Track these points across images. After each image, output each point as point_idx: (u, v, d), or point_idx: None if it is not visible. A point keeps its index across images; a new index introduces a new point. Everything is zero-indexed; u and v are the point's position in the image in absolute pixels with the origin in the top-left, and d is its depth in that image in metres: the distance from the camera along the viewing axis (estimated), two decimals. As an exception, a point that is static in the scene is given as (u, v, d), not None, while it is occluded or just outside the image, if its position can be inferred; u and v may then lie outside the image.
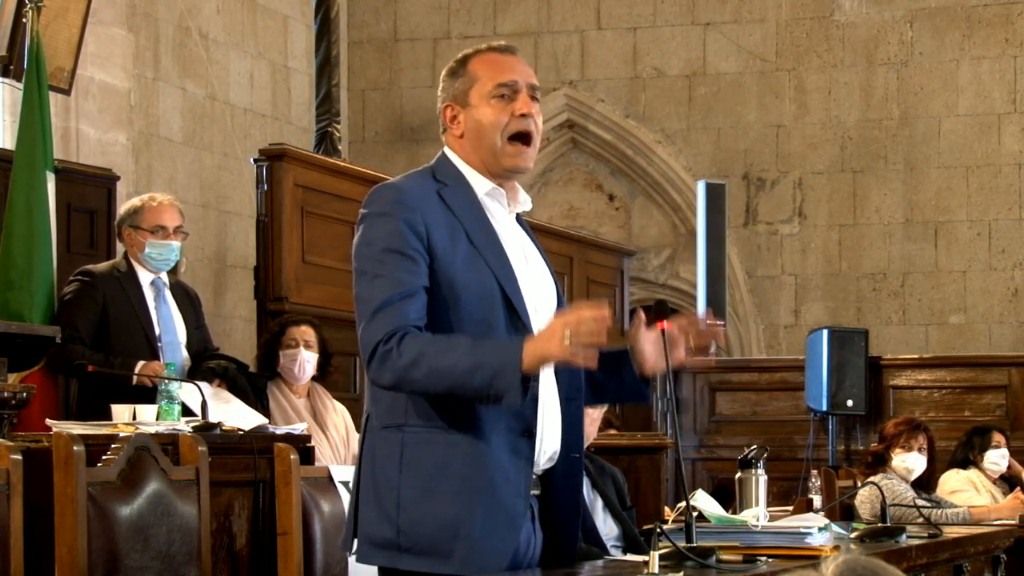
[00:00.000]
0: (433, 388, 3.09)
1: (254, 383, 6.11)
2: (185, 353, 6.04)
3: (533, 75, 3.33)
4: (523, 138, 3.26)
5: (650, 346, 3.29)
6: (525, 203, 3.35)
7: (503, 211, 3.30)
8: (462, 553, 3.08)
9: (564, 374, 3.29)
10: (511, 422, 3.13)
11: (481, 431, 3.12)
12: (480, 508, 3.09)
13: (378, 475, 3.17)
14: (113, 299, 5.92)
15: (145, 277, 6.02)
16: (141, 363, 5.75)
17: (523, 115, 3.24)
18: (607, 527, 4.60)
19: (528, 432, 3.15)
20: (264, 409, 5.93)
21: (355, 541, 3.23)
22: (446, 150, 3.34)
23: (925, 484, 7.18)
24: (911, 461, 7.03)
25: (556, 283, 3.37)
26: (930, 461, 7.11)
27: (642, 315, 3.36)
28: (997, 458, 7.69)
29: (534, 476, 3.27)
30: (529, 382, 3.06)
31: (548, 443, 3.26)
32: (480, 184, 3.28)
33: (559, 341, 3.00)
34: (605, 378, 3.35)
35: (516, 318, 3.17)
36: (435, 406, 3.14)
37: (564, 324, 3.01)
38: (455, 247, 3.17)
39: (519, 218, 3.39)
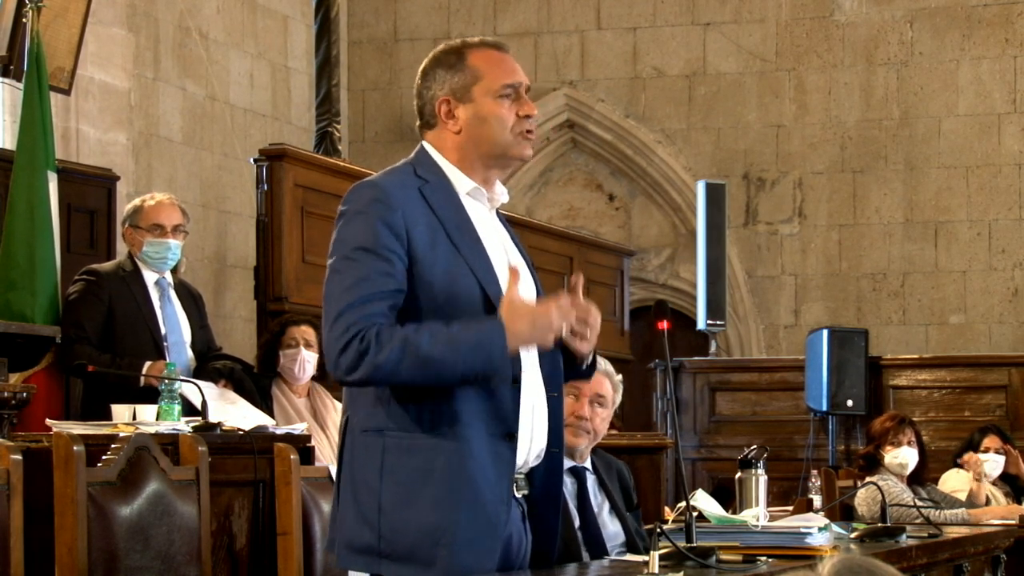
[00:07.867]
0: (418, 378, 3.06)
1: (259, 384, 6.11)
2: (190, 353, 6.03)
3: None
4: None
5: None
6: (502, 195, 3.34)
7: (484, 209, 3.28)
8: (443, 560, 3.06)
9: (547, 370, 3.28)
10: (493, 426, 3.11)
11: (462, 437, 3.09)
12: (462, 515, 3.07)
13: (358, 480, 3.14)
14: (119, 299, 5.91)
15: (150, 277, 6.01)
16: (148, 363, 5.74)
17: (527, 116, 3.26)
18: (613, 528, 4.58)
19: (509, 435, 3.13)
20: (269, 410, 5.93)
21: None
22: (426, 145, 3.29)
23: (919, 478, 7.18)
24: (903, 455, 7.03)
25: (536, 278, 3.35)
26: (921, 454, 7.11)
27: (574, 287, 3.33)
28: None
29: (521, 474, 3.25)
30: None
31: (537, 441, 3.24)
32: (461, 183, 3.25)
33: (540, 329, 3.09)
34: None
35: None
36: (415, 411, 3.11)
37: (547, 313, 3.11)
38: (435, 247, 3.14)
39: (499, 215, 3.36)
